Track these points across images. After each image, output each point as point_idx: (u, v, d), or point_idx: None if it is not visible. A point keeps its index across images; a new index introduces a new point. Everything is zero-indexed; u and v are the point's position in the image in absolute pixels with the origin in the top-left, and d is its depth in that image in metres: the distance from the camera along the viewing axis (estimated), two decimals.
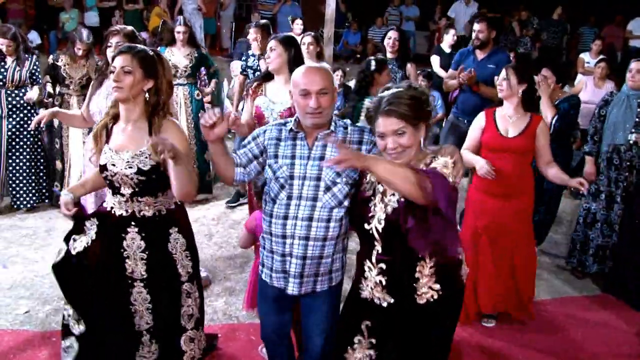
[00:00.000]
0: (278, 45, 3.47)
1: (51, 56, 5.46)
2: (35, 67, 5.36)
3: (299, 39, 6.57)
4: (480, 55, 5.17)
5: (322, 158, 2.34)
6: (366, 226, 2.22)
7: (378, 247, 2.21)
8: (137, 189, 2.47)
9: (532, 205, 3.76)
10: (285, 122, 2.48)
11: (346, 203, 2.36)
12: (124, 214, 2.52)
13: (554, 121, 4.44)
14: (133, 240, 2.52)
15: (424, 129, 2.17)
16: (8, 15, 11.32)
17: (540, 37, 10.78)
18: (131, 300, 2.55)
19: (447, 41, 7.63)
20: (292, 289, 2.43)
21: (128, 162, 2.43)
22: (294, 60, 3.47)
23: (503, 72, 3.62)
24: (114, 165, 2.45)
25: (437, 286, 2.18)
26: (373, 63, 4.46)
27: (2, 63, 5.19)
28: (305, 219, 2.34)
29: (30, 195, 5.43)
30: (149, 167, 2.43)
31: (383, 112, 2.11)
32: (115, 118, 2.53)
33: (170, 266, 2.57)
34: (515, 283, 3.70)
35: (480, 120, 3.74)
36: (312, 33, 5.65)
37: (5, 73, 5.18)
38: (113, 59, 2.45)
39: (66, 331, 2.70)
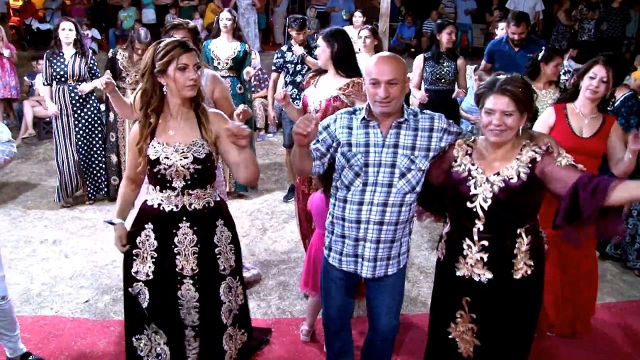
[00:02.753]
0: (322, 41, 3.50)
1: (111, 50, 5.57)
2: (93, 62, 5.45)
3: (356, 32, 6.56)
4: (515, 46, 5.22)
5: (396, 145, 2.40)
6: (469, 204, 2.31)
7: (479, 225, 2.32)
8: (190, 181, 2.43)
9: None
10: (354, 111, 2.51)
11: (418, 188, 2.45)
12: (174, 209, 2.46)
13: None
14: (185, 236, 2.47)
15: (525, 119, 2.27)
16: (72, 14, 11.73)
17: (600, 27, 10.22)
18: (178, 295, 2.51)
19: (499, 35, 7.39)
20: (365, 272, 2.51)
21: (183, 152, 2.40)
22: (338, 54, 3.45)
23: (601, 71, 3.15)
24: (167, 158, 2.40)
25: (531, 262, 2.33)
26: (542, 51, 4.27)
27: (62, 59, 5.29)
28: (381, 205, 2.42)
29: (91, 187, 5.60)
30: (204, 156, 2.41)
31: (499, 89, 2.22)
32: (157, 115, 2.45)
33: (215, 259, 2.54)
34: (574, 294, 3.41)
35: (548, 116, 3.37)
36: (369, 26, 5.60)
37: (65, 68, 5.27)
38: (179, 55, 2.33)
39: None
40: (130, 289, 2.55)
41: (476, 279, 2.37)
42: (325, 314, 2.75)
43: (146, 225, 2.51)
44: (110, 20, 11.93)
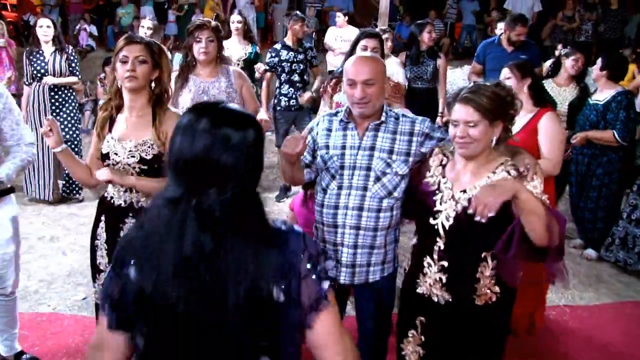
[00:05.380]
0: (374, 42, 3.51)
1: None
2: (73, 57, 5.36)
3: (344, 31, 6.53)
4: (509, 47, 5.12)
5: (372, 148, 2.34)
6: (431, 221, 2.16)
7: (440, 244, 2.15)
8: None
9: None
10: (336, 112, 2.47)
11: (396, 194, 2.35)
12: (122, 204, 2.53)
13: None
14: None
15: (500, 128, 2.08)
16: (70, 11, 11.72)
17: (598, 28, 10.22)
18: None
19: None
20: (343, 278, 2.42)
21: (130, 151, 2.45)
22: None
23: (504, 71, 3.29)
24: (116, 154, 2.46)
25: (497, 288, 2.14)
26: (567, 49, 4.44)
27: (41, 57, 5.22)
28: (356, 209, 2.35)
29: (75, 184, 5.55)
30: (151, 157, 2.45)
31: (461, 98, 2.06)
32: (118, 108, 2.53)
33: None
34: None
35: None
36: (386, 28, 5.46)
37: (46, 66, 5.19)
38: (121, 48, 2.40)
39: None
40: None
41: (434, 299, 2.20)
42: None
43: (102, 218, 2.61)
44: (109, 17, 11.93)
